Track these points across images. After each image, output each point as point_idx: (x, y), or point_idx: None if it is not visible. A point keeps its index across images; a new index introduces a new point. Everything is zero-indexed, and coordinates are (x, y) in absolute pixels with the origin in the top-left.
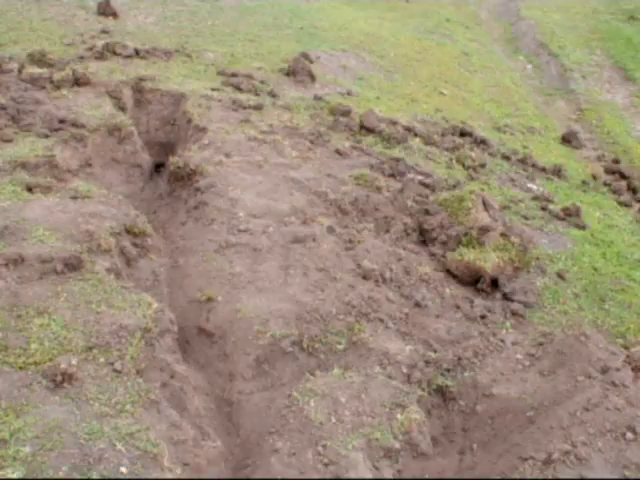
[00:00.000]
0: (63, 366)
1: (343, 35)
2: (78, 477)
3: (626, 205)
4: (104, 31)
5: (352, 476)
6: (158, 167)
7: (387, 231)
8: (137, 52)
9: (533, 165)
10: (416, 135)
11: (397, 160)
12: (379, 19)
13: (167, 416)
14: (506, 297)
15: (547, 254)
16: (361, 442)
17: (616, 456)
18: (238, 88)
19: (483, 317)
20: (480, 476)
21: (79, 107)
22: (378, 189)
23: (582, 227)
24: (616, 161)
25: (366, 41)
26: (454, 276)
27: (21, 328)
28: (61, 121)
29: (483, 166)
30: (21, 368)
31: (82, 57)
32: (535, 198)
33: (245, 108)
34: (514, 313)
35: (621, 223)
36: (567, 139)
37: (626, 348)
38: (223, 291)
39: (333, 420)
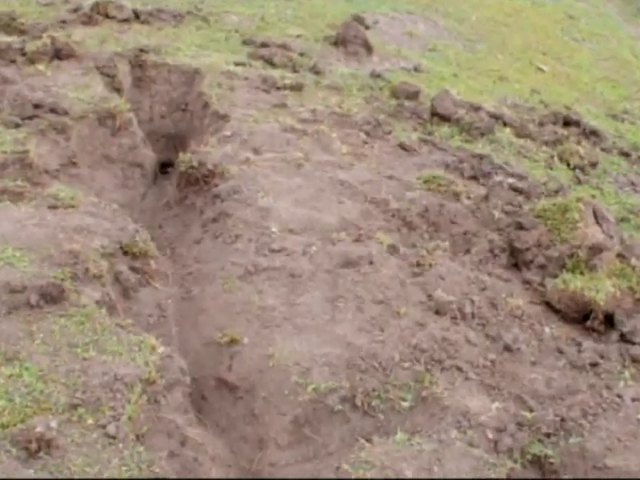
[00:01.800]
0: (39, 430)
1: None
2: None
3: None
4: None
5: None
6: (165, 167)
7: (467, 251)
8: (137, 15)
9: None
10: (505, 124)
11: (480, 157)
12: None
13: None
14: (624, 339)
15: None
16: None
17: None
18: (270, 62)
19: (594, 365)
20: None
21: (60, 88)
22: (455, 196)
23: None
24: None
25: None
26: (556, 311)
27: None
28: (36, 106)
29: (594, 165)
30: None
31: (64, 21)
32: None
33: (279, 89)
34: (635, 360)
35: None
36: None
37: None
38: (250, 331)
39: None
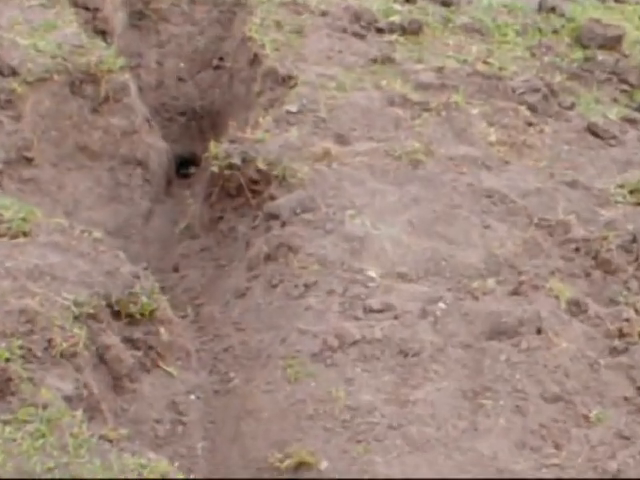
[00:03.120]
0: None
1: None
2: None
3: None
4: None
5: None
6: (184, 166)
7: None
8: None
9: None
10: None
11: None
12: None
13: None
14: None
15: None
16: None
17: None
18: None
19: None
20: None
21: (5, 30)
22: None
23: None
24: None
25: None
26: None
27: None
28: None
29: None
30: None
31: None
32: None
33: (381, 31)
34: None
35: None
36: None
37: None
38: (333, 448)
39: None
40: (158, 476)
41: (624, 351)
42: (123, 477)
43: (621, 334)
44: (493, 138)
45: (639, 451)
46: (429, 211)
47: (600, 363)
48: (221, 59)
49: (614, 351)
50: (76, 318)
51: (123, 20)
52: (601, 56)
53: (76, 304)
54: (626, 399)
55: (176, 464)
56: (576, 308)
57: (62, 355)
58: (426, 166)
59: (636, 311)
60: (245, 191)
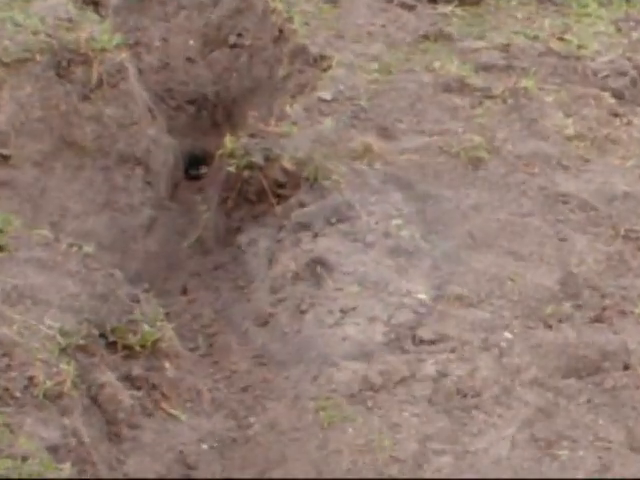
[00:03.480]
0: None
1: None
2: None
3: None
4: None
5: None
6: (193, 165)
7: None
8: None
9: None
10: None
11: None
12: None
13: None
14: None
15: None
16: None
17: None
18: None
19: None
20: None
21: None
22: None
23: None
24: None
25: None
26: None
27: None
28: None
29: None
30: None
31: None
32: None
33: (433, 1)
34: None
35: None
36: None
37: None
38: None
39: None
40: None
41: None
42: None
43: None
44: (570, 131)
45: None
46: (492, 220)
47: None
48: (239, 35)
49: None
50: (63, 350)
51: None
52: None
53: (63, 333)
54: None
55: None
56: None
57: (46, 396)
58: (489, 166)
59: None
60: (268, 196)
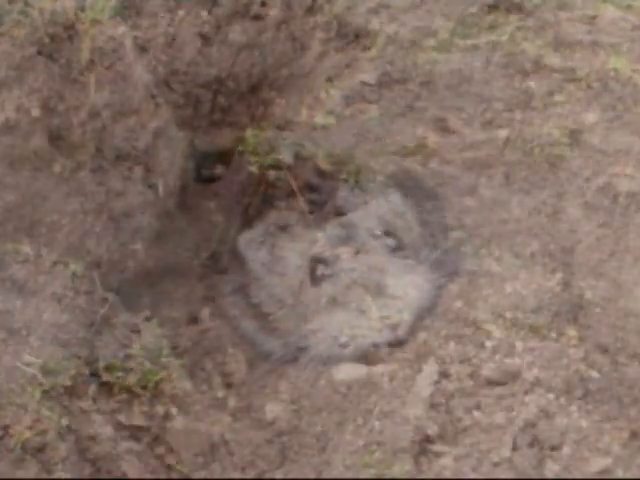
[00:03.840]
0: None
1: None
2: None
3: None
4: None
5: None
6: (208, 166)
7: None
8: None
9: None
10: None
11: None
12: None
13: None
14: None
15: None
16: None
17: None
18: None
19: None
20: None
21: None
22: None
23: None
24: None
25: None
26: None
27: None
28: None
29: None
30: None
31: None
32: None
33: None
34: None
35: None
36: None
37: None
38: None
39: None
40: None
41: None
42: None
43: None
44: None
45: None
46: (575, 233)
47: None
48: (263, 5)
49: None
50: (45, 393)
51: None
52: None
53: (45, 372)
54: None
55: None
56: None
57: (24, 449)
58: (571, 164)
59: None
60: (299, 202)
